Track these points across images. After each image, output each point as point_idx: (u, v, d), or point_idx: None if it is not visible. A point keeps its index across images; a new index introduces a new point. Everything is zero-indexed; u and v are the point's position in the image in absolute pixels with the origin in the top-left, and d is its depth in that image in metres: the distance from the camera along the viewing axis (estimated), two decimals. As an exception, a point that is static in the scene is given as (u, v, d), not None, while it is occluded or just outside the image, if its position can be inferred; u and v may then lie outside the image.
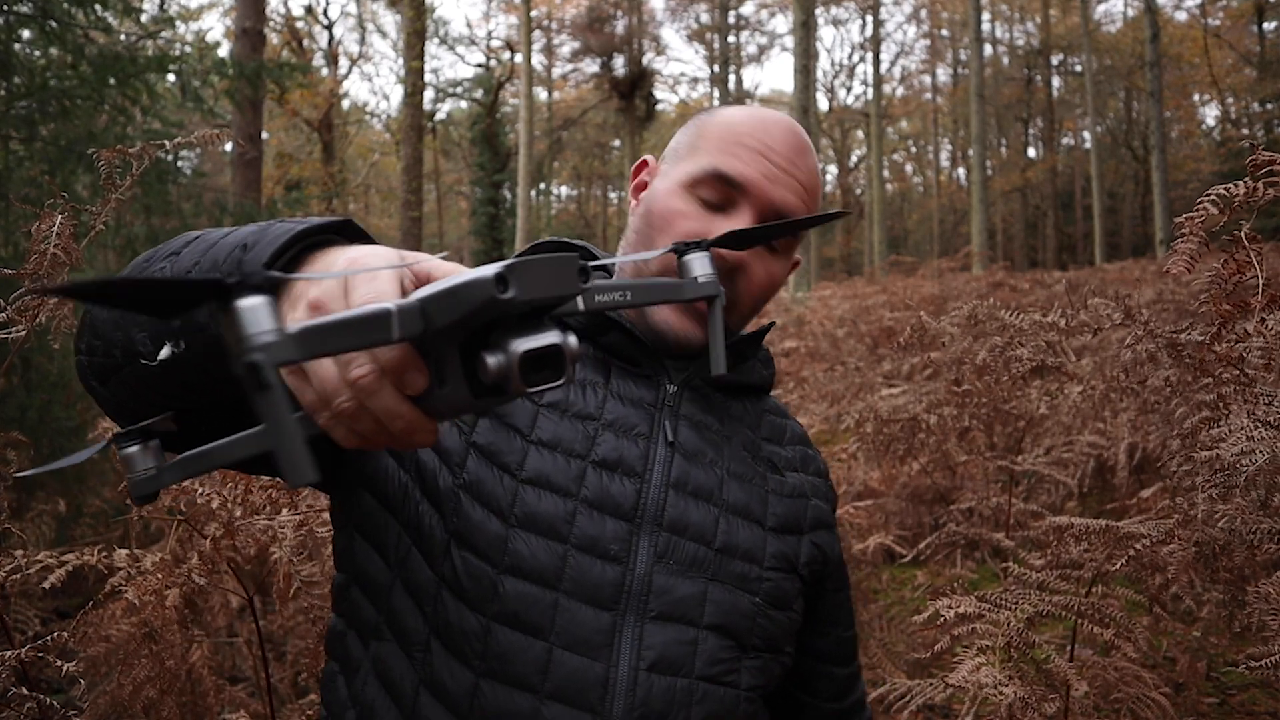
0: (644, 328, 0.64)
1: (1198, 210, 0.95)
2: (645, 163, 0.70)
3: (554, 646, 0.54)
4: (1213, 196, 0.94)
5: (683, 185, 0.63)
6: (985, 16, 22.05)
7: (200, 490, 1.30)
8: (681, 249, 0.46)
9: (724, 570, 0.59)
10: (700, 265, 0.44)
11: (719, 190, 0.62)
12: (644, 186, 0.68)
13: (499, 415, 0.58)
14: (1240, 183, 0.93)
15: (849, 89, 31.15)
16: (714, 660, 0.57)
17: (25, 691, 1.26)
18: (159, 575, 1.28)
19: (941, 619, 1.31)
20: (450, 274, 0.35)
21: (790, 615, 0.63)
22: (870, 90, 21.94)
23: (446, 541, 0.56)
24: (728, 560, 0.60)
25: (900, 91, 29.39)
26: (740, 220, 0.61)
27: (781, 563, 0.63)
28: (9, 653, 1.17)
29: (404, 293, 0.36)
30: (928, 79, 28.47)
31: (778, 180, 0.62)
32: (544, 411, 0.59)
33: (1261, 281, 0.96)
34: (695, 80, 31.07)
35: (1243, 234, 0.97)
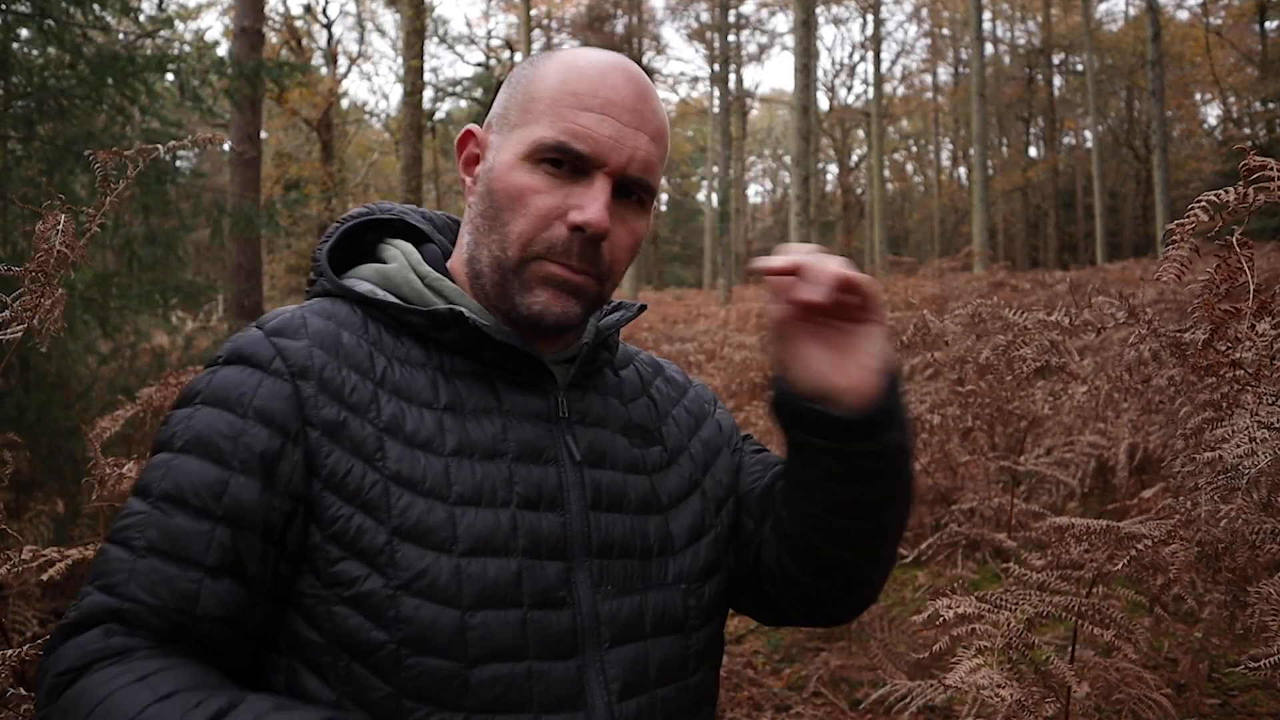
0: (515, 314, 0.59)
1: (1189, 216, 0.95)
2: (471, 133, 0.63)
3: (539, 715, 0.53)
4: (1204, 202, 0.94)
5: (524, 157, 0.57)
6: (986, 15, 22.02)
7: None
8: None
9: (650, 574, 0.60)
10: None
11: (565, 158, 0.57)
12: (475, 160, 0.62)
13: (408, 483, 0.53)
14: (1231, 188, 0.93)
15: (850, 88, 31.19)
16: (665, 662, 0.59)
17: (24, 692, 1.25)
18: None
19: (941, 619, 1.31)
20: None
21: (712, 554, 0.64)
22: (871, 89, 21.94)
23: (395, 653, 0.51)
24: (649, 563, 0.60)
25: (901, 91, 29.38)
26: (595, 189, 0.57)
27: (691, 532, 0.63)
28: (7, 653, 1.17)
29: None
30: (929, 78, 28.46)
31: (625, 139, 0.57)
32: (451, 462, 0.55)
33: (1252, 287, 0.96)
34: (695, 79, 31.10)
35: (1234, 239, 0.96)
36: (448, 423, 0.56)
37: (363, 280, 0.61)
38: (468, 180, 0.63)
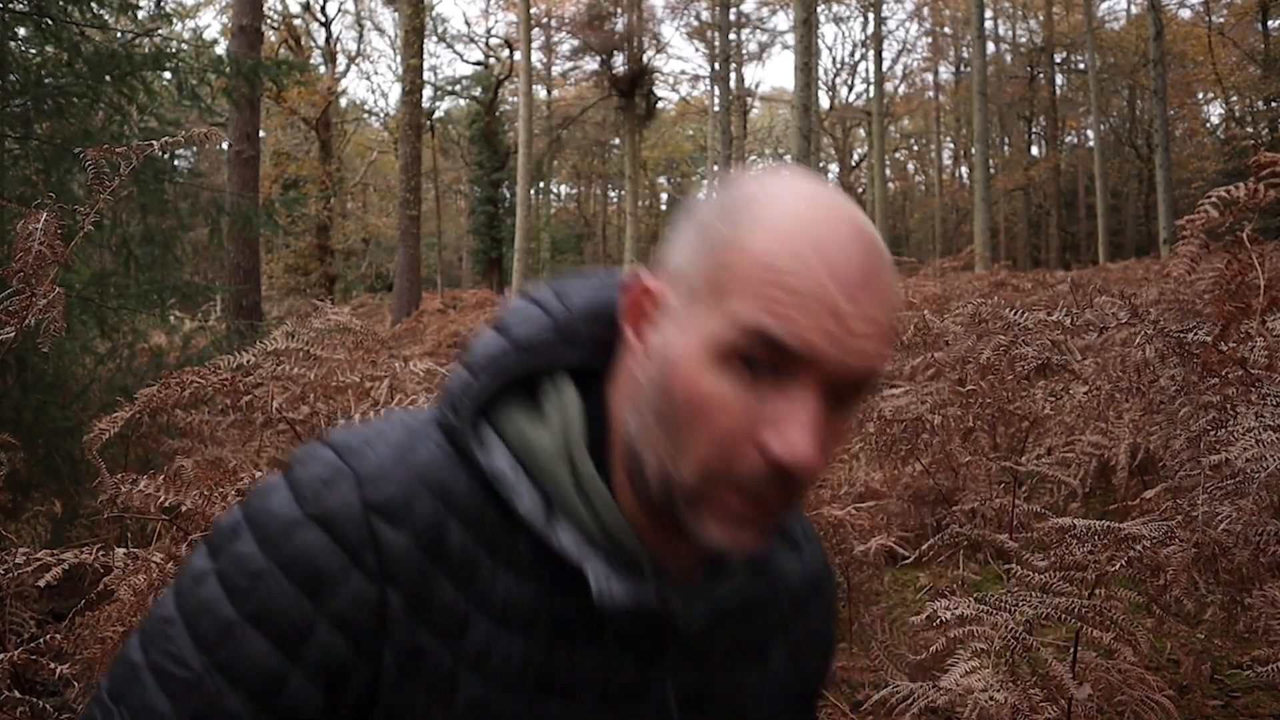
0: (672, 538, 0.47)
1: (1199, 212, 0.94)
2: (647, 288, 0.46)
3: None
4: (1214, 199, 0.94)
5: (714, 354, 0.42)
6: (988, 14, 21.97)
7: (195, 493, 1.29)
8: None
9: None
10: None
11: (770, 357, 0.42)
12: (644, 316, 0.47)
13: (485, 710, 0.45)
14: (1242, 184, 0.92)
15: (850, 87, 31.11)
16: None
17: (18, 695, 1.25)
18: (149, 574, 1.27)
19: (939, 621, 1.30)
20: None
21: None
22: (872, 88, 21.90)
23: None
24: None
25: (902, 89, 29.35)
26: (801, 397, 0.42)
27: None
28: (2, 655, 1.16)
29: None
30: (930, 77, 28.43)
31: (853, 346, 0.42)
32: (535, 700, 0.45)
33: (1263, 283, 0.95)
34: (696, 78, 31.05)
35: (1244, 235, 0.96)
36: (533, 653, 0.45)
37: (501, 451, 0.47)
38: (635, 342, 0.47)
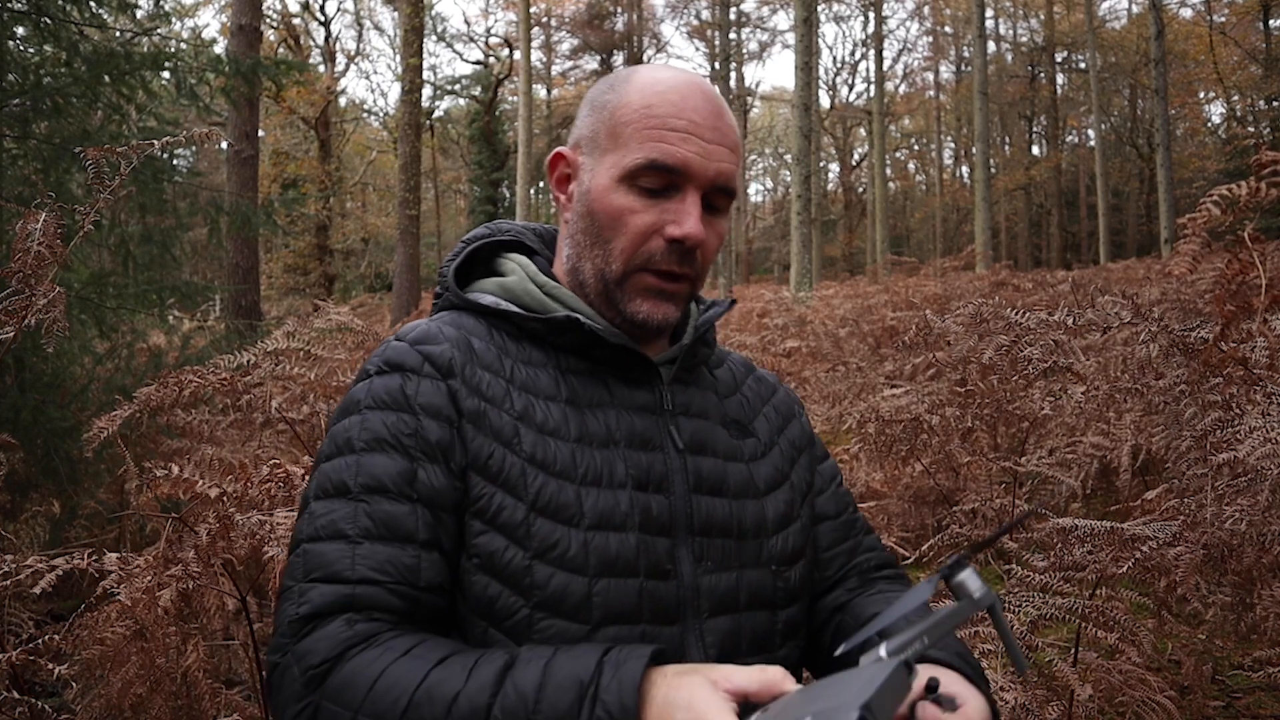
0: (620, 320, 0.66)
1: (1200, 211, 0.94)
2: (561, 155, 0.70)
3: None
4: (1215, 197, 0.93)
5: (620, 180, 0.64)
6: (989, 13, 21.96)
7: (201, 481, 1.28)
8: (948, 572, 0.47)
9: (745, 554, 0.66)
10: (973, 581, 0.47)
11: (658, 177, 0.63)
12: (566, 179, 0.70)
13: (542, 464, 0.60)
14: (1243, 183, 0.92)
15: (851, 86, 31.07)
16: (756, 635, 0.65)
17: (17, 695, 1.24)
18: (150, 574, 1.26)
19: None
20: (768, 682, 0.46)
21: (798, 541, 0.70)
22: (873, 87, 21.87)
23: (529, 617, 0.57)
24: (745, 544, 0.66)
25: (903, 89, 29.31)
26: (687, 201, 0.64)
27: (782, 519, 0.69)
28: (1, 656, 1.16)
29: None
30: (930, 76, 28.40)
31: (712, 155, 0.64)
32: (576, 448, 0.62)
33: (1264, 282, 0.94)
34: (697, 78, 30.82)
35: (1245, 234, 0.95)
36: (569, 414, 0.63)
37: (486, 294, 0.70)
38: (562, 198, 0.70)
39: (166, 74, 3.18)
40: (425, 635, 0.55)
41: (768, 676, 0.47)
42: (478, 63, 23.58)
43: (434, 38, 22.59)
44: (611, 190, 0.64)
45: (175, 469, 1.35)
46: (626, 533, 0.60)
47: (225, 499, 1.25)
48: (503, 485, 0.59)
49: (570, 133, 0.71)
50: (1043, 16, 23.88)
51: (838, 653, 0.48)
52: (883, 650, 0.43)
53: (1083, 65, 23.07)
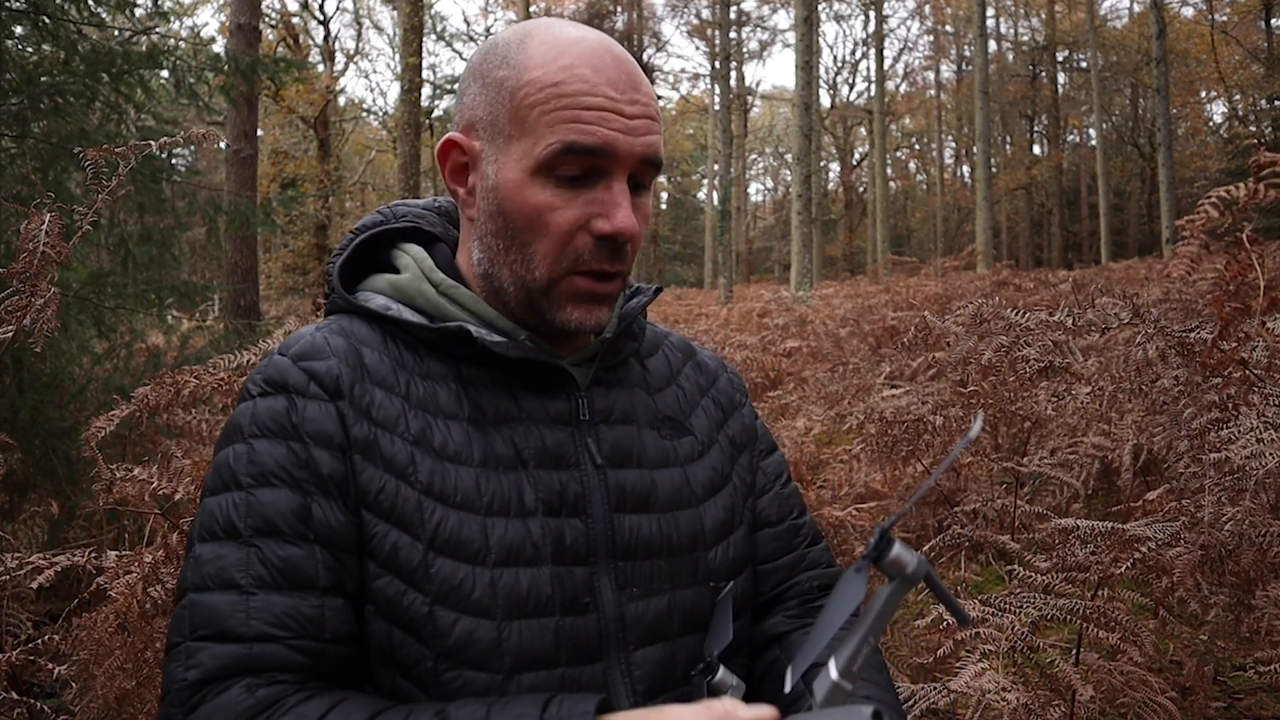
0: (547, 328, 0.58)
1: (1199, 212, 0.94)
2: (454, 142, 0.58)
3: None
4: (1214, 199, 0.93)
5: (533, 172, 0.54)
6: (990, 12, 21.94)
7: (157, 483, 1.28)
8: (876, 554, 0.43)
9: (679, 574, 0.59)
10: (905, 554, 0.44)
11: (578, 162, 0.54)
12: (463, 169, 0.59)
13: (440, 496, 0.53)
14: (1242, 184, 0.92)
15: (852, 85, 31.04)
16: (693, 662, 0.58)
17: (15, 695, 1.24)
18: (137, 570, 1.26)
19: (944, 623, 1.29)
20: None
21: (741, 550, 0.64)
22: (873, 87, 21.86)
23: (433, 668, 0.51)
24: (679, 561, 0.59)
25: (904, 88, 29.29)
26: (614, 189, 0.54)
27: (722, 528, 0.62)
28: (-2, 657, 1.15)
29: None
30: (931, 75, 28.39)
31: (636, 130, 0.54)
32: (480, 473, 0.54)
33: (1263, 283, 0.94)
34: (696, 76, 31.02)
35: (1244, 235, 0.95)
36: (473, 434, 0.55)
37: (376, 294, 0.60)
38: (461, 192, 0.59)
39: (165, 73, 3.18)
40: (338, 694, 0.48)
41: (715, 715, 0.43)
42: (478, 62, 23.49)
43: (433, 37, 22.58)
44: (524, 185, 0.54)
45: (137, 470, 1.35)
46: (539, 566, 0.53)
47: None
48: (397, 522, 0.52)
49: (457, 112, 0.60)
50: (1044, 15, 23.86)
51: (787, 690, 0.42)
52: (833, 673, 0.41)
53: (1084, 64, 23.05)
